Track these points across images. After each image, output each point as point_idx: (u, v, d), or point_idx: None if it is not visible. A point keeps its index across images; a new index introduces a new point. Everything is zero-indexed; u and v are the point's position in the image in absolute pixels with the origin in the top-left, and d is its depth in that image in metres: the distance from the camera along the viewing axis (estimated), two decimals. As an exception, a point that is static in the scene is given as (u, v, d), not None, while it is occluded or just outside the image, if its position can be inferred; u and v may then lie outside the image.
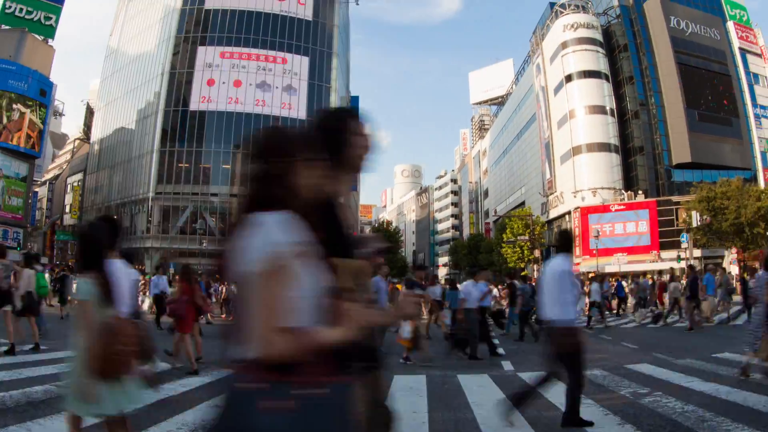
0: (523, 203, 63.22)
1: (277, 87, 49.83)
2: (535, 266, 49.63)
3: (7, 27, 47.80)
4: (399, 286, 17.77)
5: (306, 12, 52.33)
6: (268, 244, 1.29)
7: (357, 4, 64.73)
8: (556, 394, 5.85)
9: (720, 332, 13.07)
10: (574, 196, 49.03)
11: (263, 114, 48.90)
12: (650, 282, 21.70)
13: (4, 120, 44.10)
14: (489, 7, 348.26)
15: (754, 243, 37.51)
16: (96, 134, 60.42)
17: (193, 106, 48.94)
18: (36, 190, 56.48)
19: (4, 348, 8.35)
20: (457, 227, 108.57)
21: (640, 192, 47.38)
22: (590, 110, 49.82)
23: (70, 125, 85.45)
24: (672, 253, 40.65)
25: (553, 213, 53.77)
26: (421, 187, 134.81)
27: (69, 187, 64.52)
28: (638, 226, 45.00)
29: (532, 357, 9.26)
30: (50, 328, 13.30)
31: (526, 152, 64.96)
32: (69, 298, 17.21)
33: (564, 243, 5.14)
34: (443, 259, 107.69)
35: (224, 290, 24.04)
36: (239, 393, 1.30)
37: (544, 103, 56.48)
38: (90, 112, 67.85)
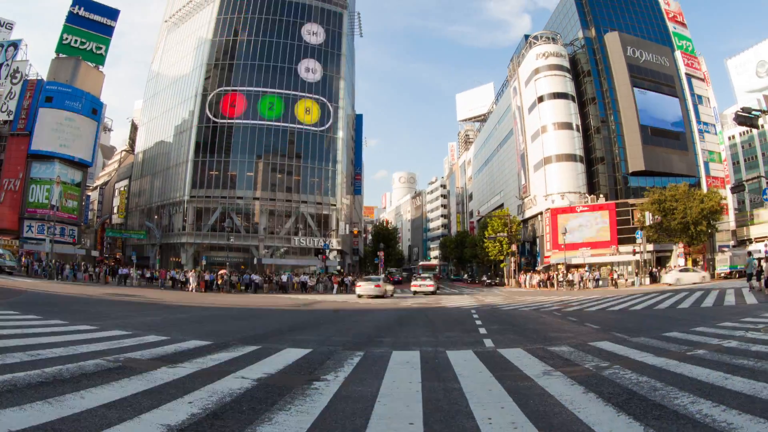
0: (502, 205, 63.29)
1: (292, 106, 49.86)
2: (512, 258, 49.80)
3: (64, 56, 47.98)
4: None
5: (318, 40, 52.34)
6: None
7: (361, 36, 64.63)
8: (530, 365, 5.87)
9: (666, 315, 13.06)
10: (545, 199, 49.10)
11: (281, 129, 48.96)
12: None
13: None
14: (473, 39, 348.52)
15: (697, 239, 37.66)
16: (139, 146, 60.52)
17: (222, 122, 48.97)
18: (88, 194, 56.59)
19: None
20: (446, 225, 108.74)
21: (601, 195, 47.49)
22: (559, 126, 49.89)
23: (118, 139, 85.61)
24: (628, 248, 40.77)
25: (528, 213, 53.85)
26: (415, 192, 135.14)
27: (116, 191, 64.60)
28: (600, 225, 45.06)
29: (510, 336, 9.29)
30: (101, 311, 13.35)
31: (504, 162, 65.02)
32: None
33: None
34: (434, 253, 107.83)
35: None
36: None
37: (520, 120, 56.53)
38: (134, 128, 68.01)
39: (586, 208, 46.31)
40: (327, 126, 50.36)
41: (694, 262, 39.61)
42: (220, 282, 33.42)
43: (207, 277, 33.78)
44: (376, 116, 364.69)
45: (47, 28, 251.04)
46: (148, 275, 38.15)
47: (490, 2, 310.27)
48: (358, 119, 67.69)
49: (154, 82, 58.93)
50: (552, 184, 48.98)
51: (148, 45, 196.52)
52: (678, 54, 51.82)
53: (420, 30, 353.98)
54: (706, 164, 48.59)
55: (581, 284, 38.01)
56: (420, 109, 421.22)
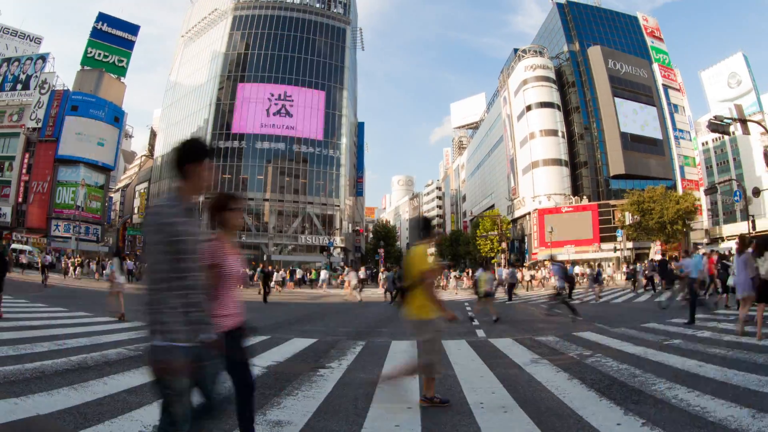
0: (492, 206, 63.17)
1: (300, 114, 49.83)
2: (502, 255, 49.73)
3: (89, 68, 47.96)
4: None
5: (322, 56, 52.33)
6: None
7: (363, 49, 64.53)
8: (519, 353, 5.87)
9: (645, 307, 13.06)
10: (533, 200, 49.06)
11: (289, 136, 48.94)
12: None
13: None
14: (467, 52, 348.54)
15: (673, 237, 37.64)
16: (158, 151, 60.38)
17: (234, 129, 48.92)
18: (111, 195, 56.54)
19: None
20: (441, 225, 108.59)
21: (584, 197, 47.47)
22: (545, 133, 49.86)
23: (138, 145, 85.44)
24: (609, 245, 40.74)
25: (517, 213, 53.77)
26: (413, 194, 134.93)
27: (137, 193, 64.51)
28: (583, 224, 45.04)
29: (500, 327, 9.29)
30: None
31: (495, 166, 64.95)
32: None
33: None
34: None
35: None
36: None
37: (509, 127, 56.47)
38: (153, 135, 67.97)
39: (570, 209, 46.29)
40: (331, 133, 50.36)
41: (672, 258, 39.52)
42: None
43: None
44: (378, 124, 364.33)
45: (72, 39, 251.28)
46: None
47: (517, 16, 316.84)
48: (360, 126, 67.61)
49: (171, 92, 58.87)
50: (539, 186, 48.96)
51: (166, 57, 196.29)
52: (655, 66, 51.78)
53: (450, 41, 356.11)
54: (681, 168, 48.58)
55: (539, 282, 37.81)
56: (418, 116, 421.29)
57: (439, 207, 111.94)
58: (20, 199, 43.33)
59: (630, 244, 40.24)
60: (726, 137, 54.95)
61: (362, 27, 62.26)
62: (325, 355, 5.85)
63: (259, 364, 5.10)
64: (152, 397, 3.61)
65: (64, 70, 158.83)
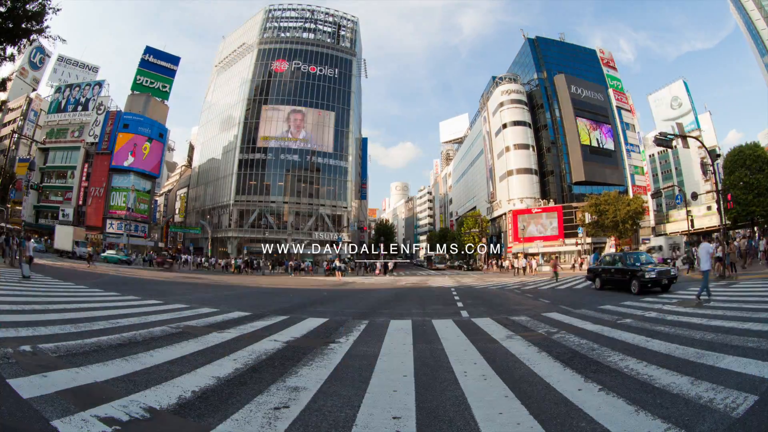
0: (475, 207, 63.09)
1: (314, 131, 49.78)
2: (483, 249, 49.70)
3: (138, 92, 47.96)
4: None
5: (332, 82, 52.24)
6: None
7: (366, 77, 64.41)
8: (496, 330, 5.87)
9: (602, 292, 13.03)
10: (508, 203, 49.02)
11: (304, 149, 48.89)
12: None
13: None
14: (455, 78, 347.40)
15: (625, 234, 37.69)
16: (195, 162, 60.35)
17: (259, 143, 48.87)
18: (156, 199, 56.49)
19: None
20: (431, 223, 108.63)
21: (551, 200, 47.41)
22: (518, 147, 49.82)
23: (179, 156, 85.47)
24: (572, 240, 40.78)
25: (495, 214, 53.76)
26: (408, 197, 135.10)
27: (178, 196, 64.48)
28: (550, 223, 45.03)
29: (481, 308, 9.27)
30: (165, 290, 13.32)
31: (476, 174, 64.91)
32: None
33: None
34: (422, 244, 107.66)
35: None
36: None
37: (489, 141, 56.44)
38: (191, 148, 67.91)
39: (539, 210, 46.27)
40: (340, 146, 50.33)
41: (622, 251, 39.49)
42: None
43: (240, 260, 34.19)
44: (380, 138, 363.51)
45: (125, 66, 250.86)
46: (200, 261, 38.12)
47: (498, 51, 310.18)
48: (364, 141, 67.58)
49: (207, 112, 58.82)
50: (513, 191, 48.93)
51: (202, 83, 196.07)
52: (610, 91, 51.71)
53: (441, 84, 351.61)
54: (632, 176, 48.56)
55: (533, 269, 37.81)
56: (411, 131, 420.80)
57: (430, 209, 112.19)
58: (80, 202, 43.35)
59: (589, 240, 40.25)
60: (669, 150, 54.93)
61: (366, 58, 62.06)
62: (334, 332, 5.85)
63: (280, 339, 5.10)
64: (191, 367, 3.61)
65: (117, 93, 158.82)
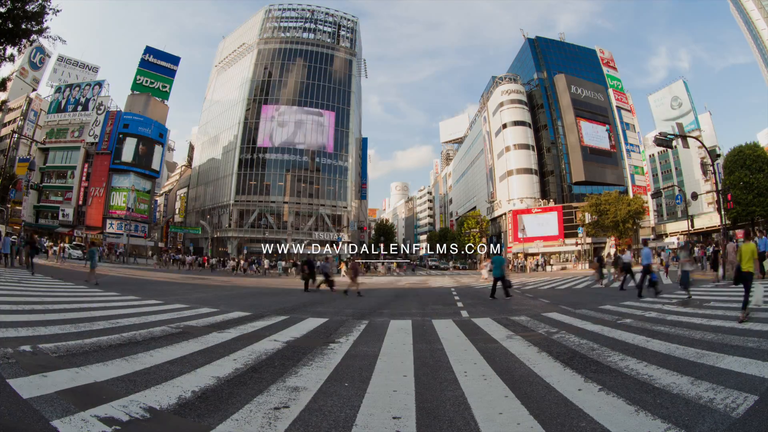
0: (475, 207, 63.16)
1: (314, 131, 49.78)
2: (483, 249, 49.71)
3: (138, 92, 47.98)
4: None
5: (331, 82, 52.25)
6: None
7: (366, 77, 64.43)
8: (496, 330, 5.87)
9: (602, 292, 13.03)
10: (508, 203, 49.05)
11: (304, 149, 48.89)
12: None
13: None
14: (455, 78, 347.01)
15: (625, 234, 37.70)
16: (195, 162, 60.38)
17: (259, 143, 48.88)
18: (156, 199, 56.53)
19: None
20: (431, 223, 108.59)
21: (551, 200, 47.43)
22: (518, 147, 49.85)
23: (179, 156, 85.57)
24: (572, 240, 40.78)
25: (495, 214, 53.81)
26: (408, 197, 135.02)
27: (178, 196, 64.51)
28: (550, 223, 45.04)
29: (480, 308, 9.26)
30: (165, 290, 13.30)
31: (476, 174, 64.92)
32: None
33: None
34: (422, 243, 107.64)
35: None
36: None
37: (489, 142, 56.45)
38: (191, 148, 67.91)
39: (539, 210, 46.29)
40: (340, 146, 50.33)
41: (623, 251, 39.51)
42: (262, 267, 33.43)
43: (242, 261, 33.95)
44: (380, 139, 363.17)
45: (125, 66, 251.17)
46: (200, 261, 38.09)
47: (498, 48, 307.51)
48: (364, 141, 67.55)
49: (207, 112, 58.85)
50: (513, 191, 48.94)
51: (202, 83, 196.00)
52: (610, 91, 51.73)
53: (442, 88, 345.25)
54: (632, 176, 48.56)
55: (538, 268, 37.92)
56: (412, 132, 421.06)
57: (430, 209, 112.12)
58: (80, 202, 43.35)
59: (589, 240, 40.27)
60: (669, 150, 54.95)
61: (365, 58, 62.08)
62: (334, 332, 5.84)
63: (280, 339, 5.10)
64: (191, 367, 3.61)
65: (117, 93, 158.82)
